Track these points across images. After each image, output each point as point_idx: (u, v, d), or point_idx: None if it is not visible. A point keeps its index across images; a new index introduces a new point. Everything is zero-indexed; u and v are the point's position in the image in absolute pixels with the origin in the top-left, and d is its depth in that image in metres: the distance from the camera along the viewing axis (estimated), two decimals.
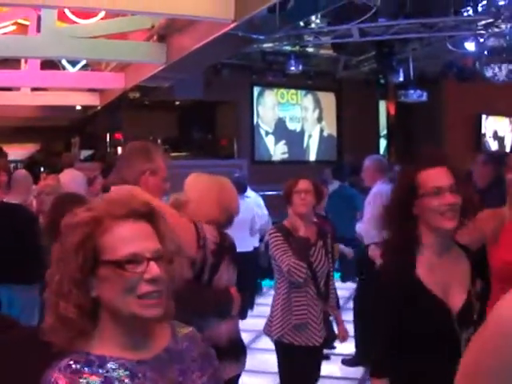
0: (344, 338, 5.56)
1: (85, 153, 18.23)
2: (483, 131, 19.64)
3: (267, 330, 5.26)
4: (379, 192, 7.48)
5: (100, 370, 1.82)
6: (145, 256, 1.83)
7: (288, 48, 14.84)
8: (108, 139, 17.35)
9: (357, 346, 7.87)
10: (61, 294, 1.83)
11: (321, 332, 5.14)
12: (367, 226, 7.42)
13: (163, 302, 1.87)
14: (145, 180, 4.08)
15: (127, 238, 1.85)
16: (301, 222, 5.16)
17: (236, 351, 4.17)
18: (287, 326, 5.09)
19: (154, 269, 1.83)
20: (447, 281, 3.03)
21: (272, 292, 5.49)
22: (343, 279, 11.07)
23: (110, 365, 1.84)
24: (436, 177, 3.04)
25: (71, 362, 1.80)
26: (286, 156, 19.10)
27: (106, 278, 1.83)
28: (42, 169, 16.03)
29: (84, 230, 1.84)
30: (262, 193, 11.01)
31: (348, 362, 8.00)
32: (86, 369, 1.80)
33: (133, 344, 1.90)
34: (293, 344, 5.08)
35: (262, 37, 8.99)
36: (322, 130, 20.04)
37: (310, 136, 19.78)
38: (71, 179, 11.68)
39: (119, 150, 16.31)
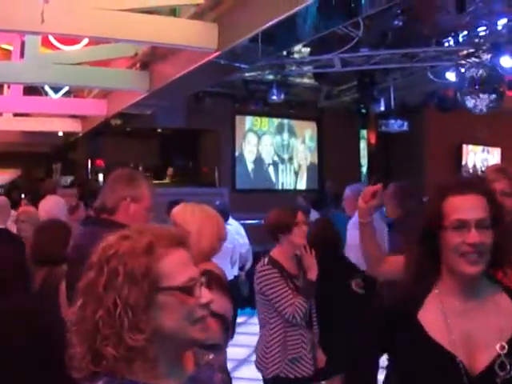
0: (322, 361, 5.55)
1: (65, 179, 18.18)
2: (464, 161, 19.74)
3: (262, 367, 5.20)
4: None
5: None
6: (199, 280, 1.88)
7: (270, 77, 14.91)
8: (89, 166, 17.31)
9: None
10: (118, 326, 1.78)
11: (312, 361, 5.18)
12: (349, 254, 7.46)
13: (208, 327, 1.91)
14: (125, 206, 4.05)
15: (183, 264, 1.88)
16: (305, 254, 5.23)
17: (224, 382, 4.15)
18: (284, 361, 5.09)
19: (206, 293, 1.89)
20: (472, 333, 2.39)
21: (252, 321, 5.49)
22: None
23: None
24: (462, 206, 2.41)
25: None
26: (267, 185, 19.10)
27: (167, 305, 1.83)
28: (22, 195, 15.96)
29: (144, 258, 1.83)
30: (242, 221, 11.01)
31: None
32: None
33: (169, 372, 1.89)
34: (289, 377, 5.09)
35: (244, 65, 9.03)
36: (303, 159, 20.10)
37: (291, 165, 19.82)
38: (54, 205, 11.64)
39: (100, 176, 16.29)
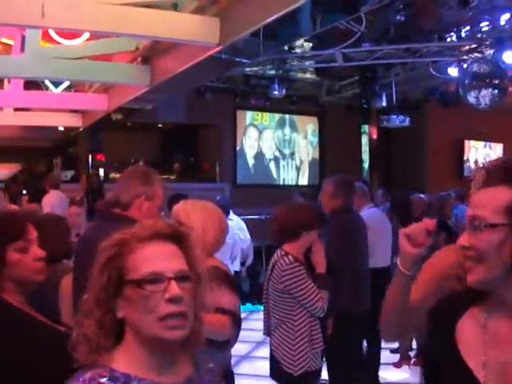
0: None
1: (66, 174, 18.19)
2: (465, 157, 19.73)
3: (289, 365, 5.17)
4: (368, 217, 7.59)
5: None
6: (166, 275, 1.83)
7: (271, 72, 14.90)
8: (90, 160, 17.30)
9: None
10: (85, 313, 1.85)
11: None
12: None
13: (187, 325, 1.86)
14: (139, 203, 4.09)
15: (150, 258, 1.85)
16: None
17: (227, 380, 4.15)
18: (311, 355, 5.16)
19: (174, 288, 1.82)
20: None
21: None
22: None
23: (134, 383, 1.83)
24: (473, 203, 2.03)
25: (96, 376, 1.80)
26: (268, 180, 19.09)
27: (130, 298, 1.84)
28: (23, 191, 15.95)
29: (110, 252, 1.87)
30: (243, 217, 11.01)
31: None
32: None
33: (158, 367, 1.89)
34: (314, 371, 5.23)
35: (246, 60, 9.02)
36: (305, 154, 20.09)
37: (293, 160, 19.82)
38: (57, 201, 11.69)
39: (101, 171, 16.27)
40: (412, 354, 9.22)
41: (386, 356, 8.69)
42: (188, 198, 4.55)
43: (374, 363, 7.95)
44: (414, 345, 9.08)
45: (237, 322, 3.85)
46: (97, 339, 1.84)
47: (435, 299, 2.26)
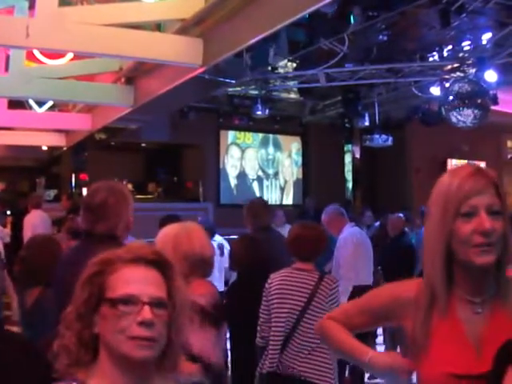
0: None
1: (49, 193, 18.15)
2: None
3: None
4: (349, 235, 7.77)
5: None
6: (141, 299, 1.85)
7: (255, 92, 14.96)
8: (73, 180, 17.28)
9: None
10: (67, 325, 1.89)
11: None
12: (344, 271, 7.53)
13: (155, 346, 1.87)
14: (124, 223, 4.01)
15: (129, 280, 1.89)
16: None
17: None
18: None
19: (146, 313, 1.84)
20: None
21: None
22: None
23: None
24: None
25: None
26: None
27: (105, 315, 1.87)
28: (7, 212, 15.87)
29: (94, 268, 1.92)
30: (227, 237, 11.02)
31: None
32: None
33: None
34: None
35: (229, 80, 9.08)
36: (289, 174, 20.14)
37: (276, 179, 19.86)
38: (39, 220, 11.66)
39: (84, 190, 16.25)
40: None
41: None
42: (180, 220, 4.48)
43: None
44: None
45: (209, 368, 3.70)
46: (77, 352, 1.87)
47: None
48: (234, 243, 6.45)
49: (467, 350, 2.18)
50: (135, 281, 1.89)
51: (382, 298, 2.48)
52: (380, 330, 9.66)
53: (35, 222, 11.54)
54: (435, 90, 13.67)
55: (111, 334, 1.85)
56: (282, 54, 8.12)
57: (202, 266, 4.05)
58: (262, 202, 7.45)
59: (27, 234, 10.71)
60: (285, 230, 8.04)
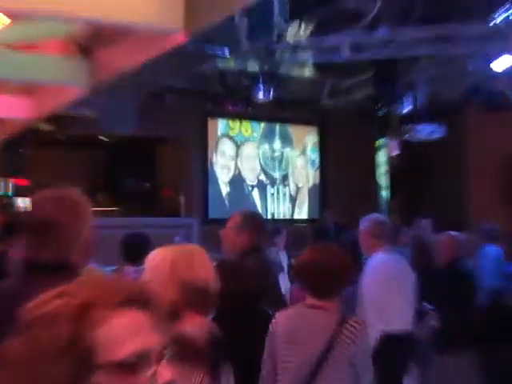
0: None
1: None
2: None
3: None
4: (375, 266, 7.54)
5: None
6: (154, 354, 1.82)
7: (255, 68, 14.98)
8: (6, 187, 17.30)
9: None
10: None
11: None
12: (369, 314, 7.23)
13: None
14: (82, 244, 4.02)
15: (132, 331, 1.83)
16: None
17: None
18: None
19: (166, 372, 1.82)
20: None
21: None
22: None
23: None
24: None
25: None
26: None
27: None
28: None
29: (66, 327, 1.77)
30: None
31: None
32: None
33: None
34: None
35: (219, 52, 9.10)
36: (303, 178, 20.15)
37: (283, 185, 19.86)
38: None
39: (21, 200, 16.25)
40: None
41: None
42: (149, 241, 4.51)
43: None
44: None
45: None
46: None
47: None
48: None
49: None
50: (138, 330, 1.84)
51: None
52: None
53: None
54: (503, 63, 13.66)
55: None
56: (291, 14, 8.11)
57: (202, 299, 4.09)
58: (251, 215, 7.45)
59: None
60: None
